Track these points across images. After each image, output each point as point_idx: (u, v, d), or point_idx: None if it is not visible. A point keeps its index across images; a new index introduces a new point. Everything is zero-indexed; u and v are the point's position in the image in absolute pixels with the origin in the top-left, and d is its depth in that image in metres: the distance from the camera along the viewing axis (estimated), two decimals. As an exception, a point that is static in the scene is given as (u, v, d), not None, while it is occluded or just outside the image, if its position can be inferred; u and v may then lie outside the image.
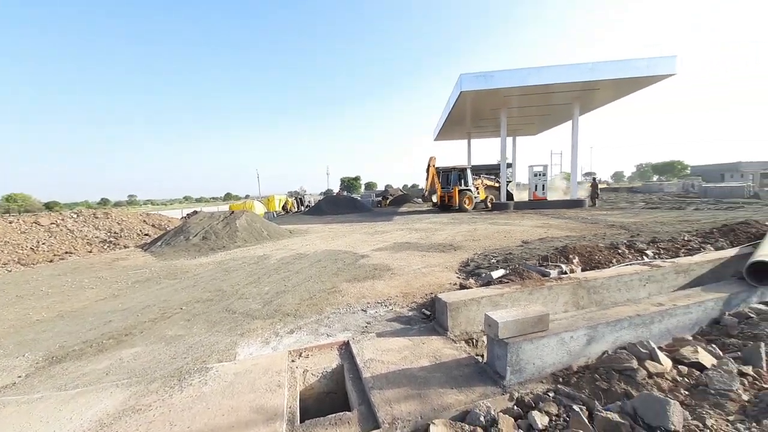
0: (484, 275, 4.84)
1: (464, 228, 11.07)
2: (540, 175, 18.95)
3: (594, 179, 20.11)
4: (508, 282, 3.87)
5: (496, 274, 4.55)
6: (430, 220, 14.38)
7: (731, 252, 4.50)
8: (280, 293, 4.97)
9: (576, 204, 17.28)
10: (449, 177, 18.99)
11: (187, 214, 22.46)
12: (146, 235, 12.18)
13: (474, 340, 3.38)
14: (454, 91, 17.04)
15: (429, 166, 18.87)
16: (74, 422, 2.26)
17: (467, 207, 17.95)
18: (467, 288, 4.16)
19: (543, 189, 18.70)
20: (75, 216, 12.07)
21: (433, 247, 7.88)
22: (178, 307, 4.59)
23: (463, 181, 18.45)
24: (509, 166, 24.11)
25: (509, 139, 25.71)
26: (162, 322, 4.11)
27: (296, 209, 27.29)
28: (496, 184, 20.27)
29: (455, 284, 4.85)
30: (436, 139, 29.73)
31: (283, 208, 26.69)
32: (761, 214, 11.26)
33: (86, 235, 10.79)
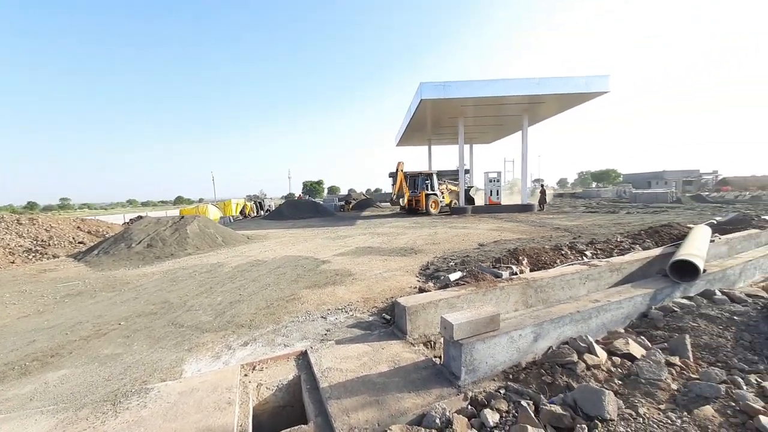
0: (442, 278, 4.98)
1: (425, 232, 11.32)
2: (494, 180, 19.95)
3: (542, 186, 21.57)
4: (464, 284, 4.01)
5: (454, 276, 4.70)
6: (392, 224, 14.53)
7: (656, 251, 5.04)
8: (234, 303, 4.72)
9: (526, 208, 18.40)
10: (416, 181, 19.53)
11: (130, 220, 20.71)
12: (80, 243, 11.00)
13: (432, 343, 3.45)
14: (414, 99, 17.46)
15: (397, 170, 19.17)
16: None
17: (433, 210, 18.59)
18: (426, 291, 4.25)
19: (497, 194, 19.69)
20: (-8, 222, 10.59)
21: (395, 251, 7.96)
22: (116, 323, 4.19)
23: (429, 186, 19.06)
24: (467, 172, 25.12)
25: (466, 147, 26.85)
26: (96, 340, 3.72)
27: (255, 214, 26.22)
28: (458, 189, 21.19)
29: (415, 288, 4.93)
30: (398, 145, 30.17)
31: (242, 212, 25.54)
32: (683, 217, 12.78)
33: (8, 244, 9.50)
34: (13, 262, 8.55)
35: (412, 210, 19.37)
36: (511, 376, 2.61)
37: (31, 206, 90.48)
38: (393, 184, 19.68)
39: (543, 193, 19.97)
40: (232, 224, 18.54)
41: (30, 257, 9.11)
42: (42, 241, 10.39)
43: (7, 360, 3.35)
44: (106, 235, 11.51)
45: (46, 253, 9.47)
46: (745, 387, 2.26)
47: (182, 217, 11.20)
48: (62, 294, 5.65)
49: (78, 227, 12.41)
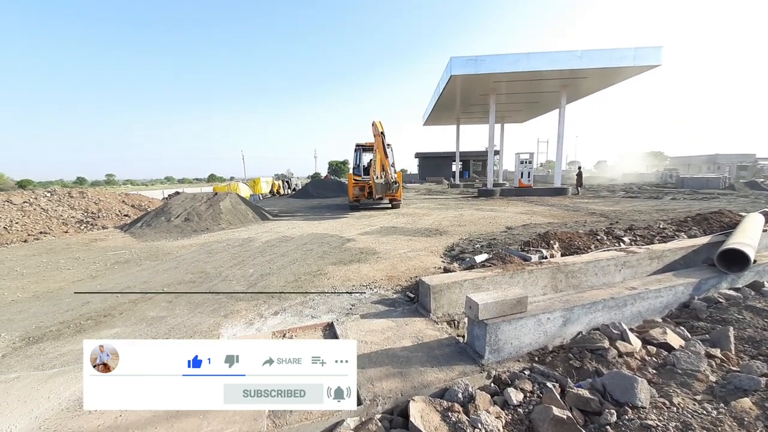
0: (467, 259, 4.92)
1: (450, 213, 11.17)
2: (526, 162, 19.14)
3: (579, 168, 20.42)
4: (490, 266, 3.95)
5: (480, 258, 4.63)
6: (417, 205, 14.43)
7: (704, 240, 4.69)
8: (264, 275, 4.94)
9: (559, 192, 17.60)
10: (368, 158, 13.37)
11: (169, 195, 21.88)
12: (125, 215, 11.81)
13: (456, 322, 3.46)
14: (444, 75, 16.82)
15: (381, 135, 11.38)
16: (52, 401, 2.23)
17: (399, 199, 12.65)
18: (451, 271, 4.23)
19: (529, 176, 18.92)
20: (49, 195, 11.55)
21: (419, 232, 7.94)
22: (160, 289, 4.51)
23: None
24: (497, 153, 24.23)
25: (497, 126, 25.77)
26: (143, 304, 4.04)
27: (283, 192, 26.92)
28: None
29: (439, 268, 4.92)
30: (425, 124, 29.53)
31: (270, 190, 26.31)
32: (735, 204, 11.75)
33: (61, 215, 10.38)
34: (66, 232, 9.35)
35: (357, 202, 12.72)
36: (536, 359, 2.58)
37: (80, 181, 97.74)
38: (371, 162, 12.25)
39: (579, 176, 18.95)
40: (261, 202, 19.15)
41: (81, 228, 9.91)
42: (92, 213, 11.24)
43: (63, 319, 3.71)
44: (148, 209, 12.28)
45: (95, 224, 10.26)
46: (786, 381, 2.12)
47: (216, 193, 11.71)
48: (112, 261, 6.14)
49: (123, 201, 13.29)
